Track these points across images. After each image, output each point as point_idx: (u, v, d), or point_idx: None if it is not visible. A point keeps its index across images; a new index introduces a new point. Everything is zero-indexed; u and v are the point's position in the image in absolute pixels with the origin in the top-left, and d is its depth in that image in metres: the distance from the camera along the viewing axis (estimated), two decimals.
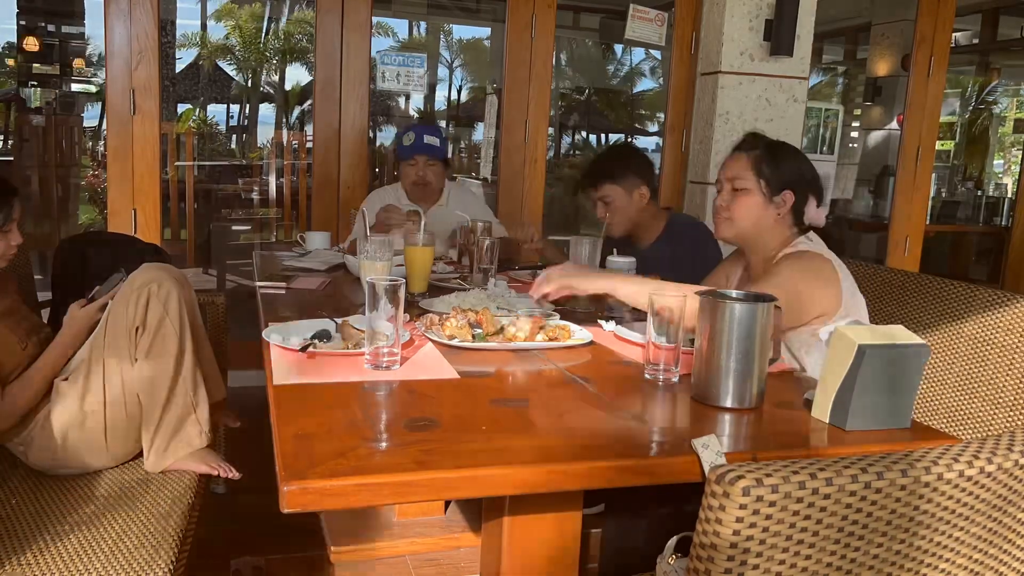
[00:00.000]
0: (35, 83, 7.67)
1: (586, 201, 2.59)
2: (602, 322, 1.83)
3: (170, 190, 5.70)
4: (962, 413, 1.78)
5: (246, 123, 14.04)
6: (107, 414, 1.74)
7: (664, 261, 2.31)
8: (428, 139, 2.95)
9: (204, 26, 13.98)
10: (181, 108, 11.79)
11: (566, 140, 13.40)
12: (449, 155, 3.03)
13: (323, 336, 1.56)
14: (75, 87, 8.31)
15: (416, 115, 11.20)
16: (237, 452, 2.02)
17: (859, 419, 1.20)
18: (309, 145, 5.24)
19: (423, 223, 2.10)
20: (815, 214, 1.80)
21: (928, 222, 5.09)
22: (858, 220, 5.88)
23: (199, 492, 1.73)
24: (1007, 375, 1.70)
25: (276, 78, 14.75)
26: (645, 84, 14.75)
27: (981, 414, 1.74)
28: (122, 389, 1.74)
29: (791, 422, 1.26)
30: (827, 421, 1.23)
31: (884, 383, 1.20)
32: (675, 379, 1.40)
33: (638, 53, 13.95)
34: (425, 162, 2.93)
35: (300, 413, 1.17)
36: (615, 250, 2.08)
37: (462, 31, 14.95)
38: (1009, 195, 6.53)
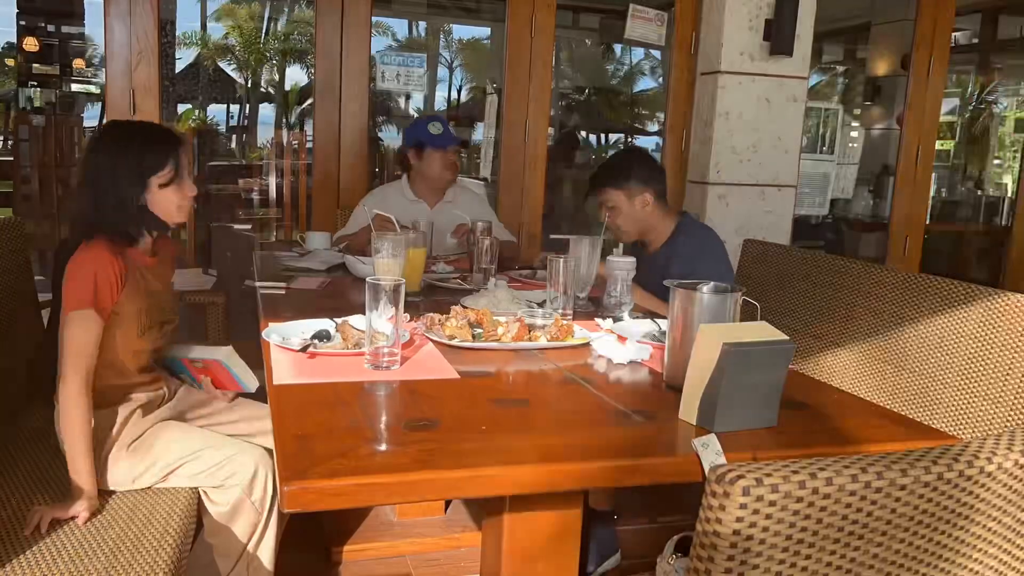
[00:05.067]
0: (35, 83, 7.66)
1: (595, 207, 2.57)
2: (599, 320, 1.84)
3: None
4: (962, 413, 1.78)
5: (246, 123, 14.03)
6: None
7: (671, 264, 2.28)
8: (456, 132, 3.09)
9: (204, 26, 13.98)
10: (181, 108, 11.79)
11: None
12: None
13: (323, 336, 1.56)
14: (75, 87, 8.31)
15: (416, 115, 11.19)
16: None
17: (727, 420, 1.16)
18: (309, 145, 5.23)
19: (420, 223, 2.10)
20: None
21: (928, 222, 5.08)
22: (858, 220, 5.87)
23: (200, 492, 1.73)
24: (1007, 375, 1.70)
25: (276, 78, 14.75)
26: (645, 84, 14.73)
27: (981, 413, 1.74)
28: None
29: (791, 422, 1.26)
30: (694, 423, 1.19)
31: (750, 382, 1.16)
32: None
33: (638, 53, 13.93)
34: (455, 154, 3.03)
35: (300, 413, 1.17)
36: (615, 250, 2.08)
37: (462, 31, 14.95)
38: (1009, 195, 6.52)
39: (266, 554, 1.73)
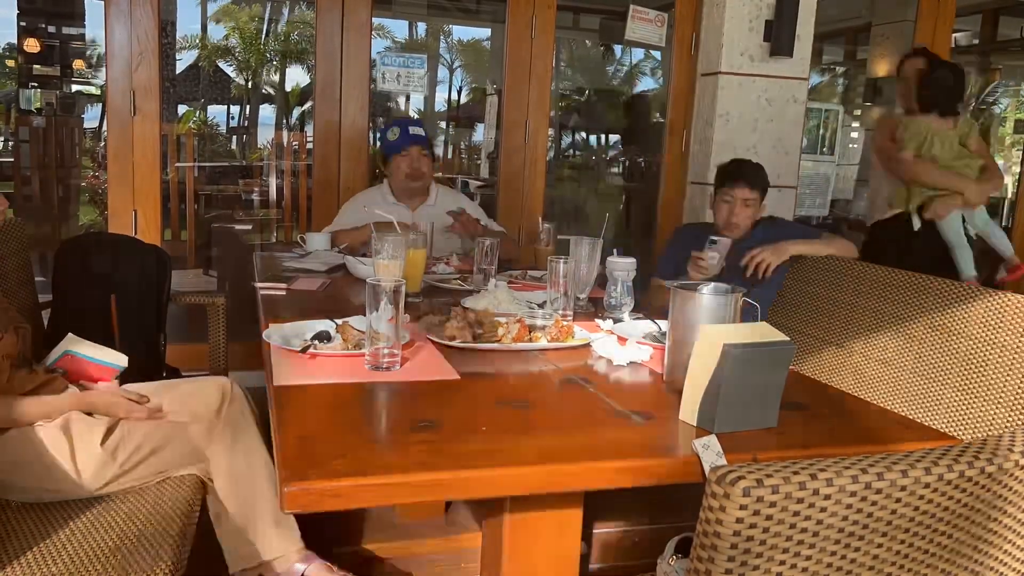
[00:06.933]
0: (35, 84, 7.66)
1: (701, 193, 2.82)
2: (599, 321, 1.84)
3: (170, 191, 5.70)
4: (962, 413, 1.78)
5: (246, 124, 14.01)
6: None
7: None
8: (414, 130, 2.96)
9: (204, 27, 13.97)
10: (181, 109, 11.79)
11: (566, 140, 13.37)
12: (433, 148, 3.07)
13: (323, 337, 1.56)
14: (75, 88, 8.31)
15: (415, 116, 11.20)
16: None
17: (727, 421, 1.16)
18: (309, 146, 5.23)
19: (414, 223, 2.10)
20: None
21: None
22: (858, 220, 5.87)
23: (200, 493, 1.73)
24: (1007, 375, 1.70)
25: (276, 79, 14.75)
26: (645, 85, 14.71)
27: (981, 414, 1.74)
28: None
29: (791, 422, 1.26)
30: (695, 424, 1.19)
31: (751, 383, 1.17)
32: None
33: (638, 54, 13.92)
34: (418, 153, 2.93)
35: (301, 414, 1.18)
36: (615, 251, 2.09)
37: (462, 32, 14.93)
38: (1009, 195, 6.52)
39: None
